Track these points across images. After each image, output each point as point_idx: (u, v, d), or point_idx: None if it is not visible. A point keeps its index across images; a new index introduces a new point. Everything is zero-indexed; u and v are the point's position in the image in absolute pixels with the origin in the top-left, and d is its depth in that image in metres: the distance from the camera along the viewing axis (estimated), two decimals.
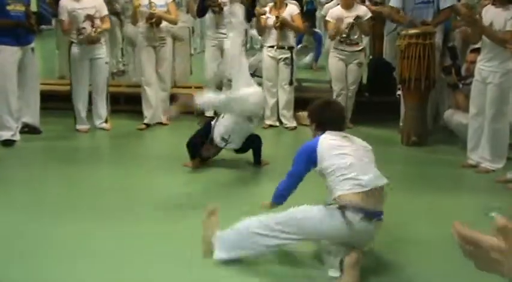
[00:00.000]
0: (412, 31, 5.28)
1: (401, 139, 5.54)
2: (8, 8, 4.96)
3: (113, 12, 6.84)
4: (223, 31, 5.84)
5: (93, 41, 5.49)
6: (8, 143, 5.13)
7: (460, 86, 5.28)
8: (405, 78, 5.35)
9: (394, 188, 4.11)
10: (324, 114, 3.05)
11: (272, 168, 4.61)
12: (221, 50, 5.98)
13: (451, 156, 5.06)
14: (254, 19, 6.08)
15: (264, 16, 5.86)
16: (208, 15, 5.96)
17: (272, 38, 5.91)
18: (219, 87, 6.06)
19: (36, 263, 2.91)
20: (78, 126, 5.73)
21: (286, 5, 5.91)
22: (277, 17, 5.74)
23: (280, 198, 3.05)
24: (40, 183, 4.28)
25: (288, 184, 3.01)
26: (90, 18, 5.42)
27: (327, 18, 6.05)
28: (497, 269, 0.94)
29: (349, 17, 5.77)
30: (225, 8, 5.77)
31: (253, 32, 7.48)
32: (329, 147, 2.83)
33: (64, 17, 5.46)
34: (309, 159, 2.87)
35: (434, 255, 3.09)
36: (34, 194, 4.02)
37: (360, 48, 5.99)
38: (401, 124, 5.77)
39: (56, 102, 6.35)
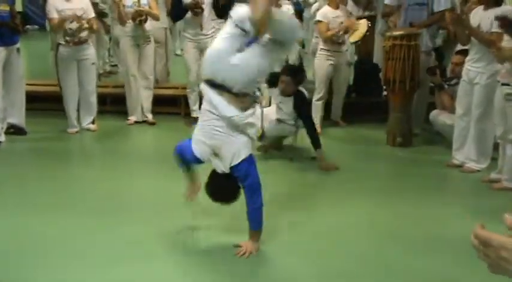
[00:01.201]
0: (397, 32, 5.33)
1: (386, 139, 5.59)
2: None
3: (97, 12, 6.81)
4: (204, 32, 5.87)
5: (80, 40, 5.47)
6: None
7: (446, 86, 5.35)
8: (390, 80, 5.39)
9: (379, 188, 4.24)
10: None
11: None
12: (201, 51, 5.99)
13: (436, 156, 5.12)
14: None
15: None
16: (188, 17, 5.93)
17: None
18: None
19: (22, 263, 2.90)
20: (69, 129, 5.72)
21: (281, 5, 5.90)
22: None
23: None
24: (26, 184, 4.25)
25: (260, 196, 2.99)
26: (77, 19, 5.39)
27: (318, 18, 6.06)
28: (507, 269, 0.95)
29: (339, 17, 5.87)
30: (206, 9, 5.79)
31: None
32: None
33: (53, 15, 5.44)
34: None
35: (420, 254, 3.13)
36: (20, 194, 3.99)
37: (347, 48, 6.09)
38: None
39: (42, 103, 6.32)
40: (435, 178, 4.59)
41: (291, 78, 4.74)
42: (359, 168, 4.81)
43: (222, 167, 2.93)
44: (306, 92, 4.99)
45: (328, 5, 5.98)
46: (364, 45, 6.81)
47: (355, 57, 7.29)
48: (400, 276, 2.90)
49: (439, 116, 5.33)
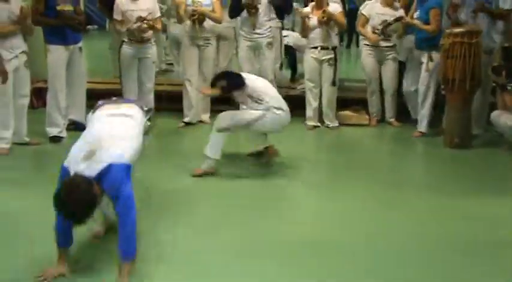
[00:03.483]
0: (457, 30, 5.18)
1: (443, 141, 5.45)
2: (58, 8, 5.10)
3: None
4: (258, 31, 5.87)
5: (143, 39, 5.60)
6: (56, 139, 5.30)
7: (509, 87, 5.14)
8: (449, 79, 5.25)
9: (433, 190, 4.13)
10: None
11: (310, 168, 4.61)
12: (255, 50, 6.01)
13: (496, 157, 4.95)
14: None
15: (307, 17, 5.85)
16: (242, 15, 5.97)
17: (315, 39, 5.86)
18: None
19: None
20: None
21: (328, 4, 5.88)
22: (323, 11, 5.69)
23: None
24: None
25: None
26: (141, 19, 5.52)
27: (361, 11, 6.07)
28: None
29: (385, 15, 5.85)
30: (261, 9, 5.79)
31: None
32: None
33: (119, 16, 5.59)
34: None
35: (479, 258, 3.04)
36: None
37: (393, 43, 6.00)
38: (444, 125, 5.69)
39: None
40: (494, 181, 4.42)
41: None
42: (413, 169, 4.72)
43: None
44: None
45: (381, 2, 5.93)
46: None
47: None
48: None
49: (500, 117, 5.13)
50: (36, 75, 5.81)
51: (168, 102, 6.61)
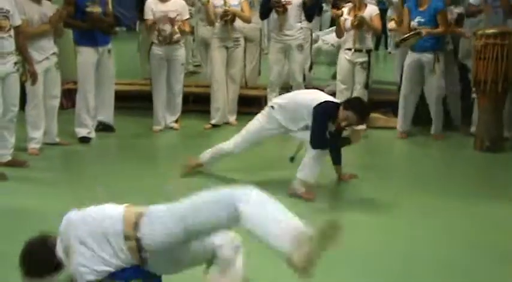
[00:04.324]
0: (489, 31, 5.08)
1: (474, 144, 5.34)
2: (87, 10, 5.17)
3: None
4: (288, 33, 5.85)
5: (171, 41, 5.63)
6: (85, 140, 5.36)
7: None
8: (480, 81, 5.15)
9: (460, 193, 4.04)
10: None
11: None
12: (285, 52, 5.98)
13: None
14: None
15: (342, 18, 5.76)
16: (272, 17, 5.97)
17: (349, 41, 5.75)
18: (284, 88, 6.06)
19: None
20: (154, 127, 5.90)
21: (366, 5, 5.80)
22: (355, 16, 5.60)
23: None
24: (114, 178, 4.39)
25: None
26: (171, 21, 5.57)
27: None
28: None
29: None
30: (289, 8, 5.76)
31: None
32: None
33: (149, 16, 5.64)
34: None
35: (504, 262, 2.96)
36: (109, 189, 4.14)
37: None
38: (472, 128, 5.58)
39: (129, 101, 6.57)
40: None
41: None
42: (442, 172, 4.64)
43: None
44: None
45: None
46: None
47: None
48: None
49: None
50: (66, 76, 5.91)
51: (195, 104, 6.64)
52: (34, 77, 4.63)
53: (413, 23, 5.48)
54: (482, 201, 3.97)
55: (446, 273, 2.91)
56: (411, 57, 5.65)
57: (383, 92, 6.86)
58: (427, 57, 5.50)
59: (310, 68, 7.28)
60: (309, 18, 6.20)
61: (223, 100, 6.06)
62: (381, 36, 12.00)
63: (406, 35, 5.47)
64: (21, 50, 4.52)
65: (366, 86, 5.85)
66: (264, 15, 6.07)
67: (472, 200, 3.98)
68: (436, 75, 5.51)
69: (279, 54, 5.99)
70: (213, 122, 6.08)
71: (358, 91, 5.85)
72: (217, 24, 5.85)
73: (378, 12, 5.84)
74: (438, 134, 5.73)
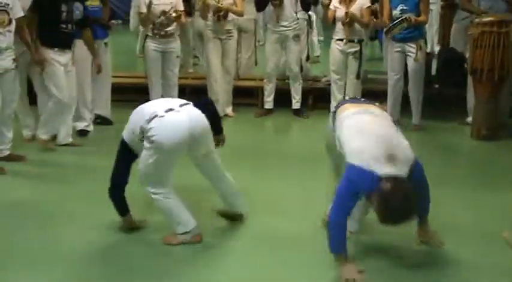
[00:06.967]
0: (487, 19, 5.08)
1: (471, 132, 5.36)
2: (86, 3, 5.14)
3: None
4: (284, 24, 5.84)
5: (167, 34, 5.62)
6: (83, 133, 5.37)
7: None
8: (477, 69, 5.16)
9: (458, 182, 4.05)
10: None
11: None
12: (282, 43, 5.97)
13: None
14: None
15: (331, 6, 5.72)
16: (269, 8, 5.95)
17: (341, 31, 5.74)
18: (281, 79, 6.05)
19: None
20: None
21: None
22: (346, 13, 5.55)
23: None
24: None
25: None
26: (165, 14, 5.54)
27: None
28: None
29: None
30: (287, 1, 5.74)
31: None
32: None
33: (143, 9, 5.61)
34: None
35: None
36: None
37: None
38: (469, 117, 5.59)
39: (125, 94, 6.55)
40: None
41: None
42: (439, 161, 4.66)
43: None
44: None
45: None
46: (448, 33, 6.55)
47: (437, 47, 7.04)
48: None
49: None
50: None
51: (192, 96, 6.62)
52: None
53: (396, 12, 5.40)
54: (481, 188, 3.99)
55: (443, 261, 2.92)
56: (394, 47, 5.62)
57: (379, 82, 6.85)
58: (410, 46, 5.49)
59: (308, 58, 7.26)
60: (306, 8, 6.19)
61: (219, 92, 6.06)
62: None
63: (393, 23, 5.38)
64: (24, 41, 4.49)
65: (358, 76, 5.83)
66: (261, 8, 6.06)
67: (470, 188, 4.01)
68: (418, 64, 5.51)
69: (275, 45, 5.98)
70: None
71: (351, 81, 5.85)
72: (210, 17, 5.84)
73: (370, 4, 5.78)
74: (418, 124, 5.68)
